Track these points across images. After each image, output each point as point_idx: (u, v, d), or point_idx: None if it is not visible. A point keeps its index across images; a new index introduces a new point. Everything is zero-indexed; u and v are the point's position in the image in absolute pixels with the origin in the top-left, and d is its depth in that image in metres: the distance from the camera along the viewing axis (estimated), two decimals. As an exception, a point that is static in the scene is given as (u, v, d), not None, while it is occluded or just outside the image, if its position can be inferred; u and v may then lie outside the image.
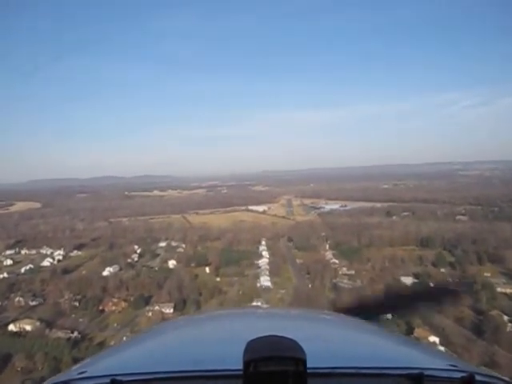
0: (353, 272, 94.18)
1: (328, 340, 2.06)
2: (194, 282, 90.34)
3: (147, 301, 79.72)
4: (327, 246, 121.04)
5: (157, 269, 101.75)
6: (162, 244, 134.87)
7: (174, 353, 1.85)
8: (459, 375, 1.49)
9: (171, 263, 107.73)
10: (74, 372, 1.68)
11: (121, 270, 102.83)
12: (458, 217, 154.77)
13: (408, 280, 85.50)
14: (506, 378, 1.64)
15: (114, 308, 77.61)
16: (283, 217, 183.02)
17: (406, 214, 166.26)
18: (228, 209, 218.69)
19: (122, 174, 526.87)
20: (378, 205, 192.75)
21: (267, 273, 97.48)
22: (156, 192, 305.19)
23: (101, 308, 77.86)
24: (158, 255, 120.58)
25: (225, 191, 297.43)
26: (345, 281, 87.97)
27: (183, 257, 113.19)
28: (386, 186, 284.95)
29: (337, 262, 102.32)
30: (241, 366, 1.22)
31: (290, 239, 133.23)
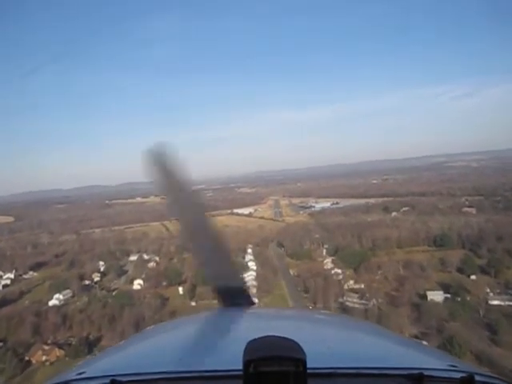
0: (362, 286, 71.30)
1: (328, 340, 1.93)
2: (160, 310, 66.64)
3: (92, 346, 55.75)
4: (324, 251, 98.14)
5: (115, 294, 77.47)
6: (133, 258, 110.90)
7: (173, 353, 1.77)
8: (459, 375, 1.43)
9: (137, 283, 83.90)
10: (73, 372, 1.62)
11: (73, 296, 78.78)
12: (464, 209, 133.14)
13: (438, 296, 62.78)
14: (506, 379, 1.57)
15: (44, 358, 53.71)
16: (271, 219, 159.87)
17: (405, 208, 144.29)
18: (212, 213, 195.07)
19: (108, 183, 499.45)
20: (373, 200, 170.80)
21: (254, 291, 74.02)
22: (138, 199, 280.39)
23: (27, 358, 53.95)
24: (125, 272, 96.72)
25: (210, 194, 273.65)
26: (355, 300, 64.93)
27: (154, 274, 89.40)
28: (375, 182, 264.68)
29: (339, 271, 79.43)
30: (241, 366, 1.17)
31: (280, 244, 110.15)
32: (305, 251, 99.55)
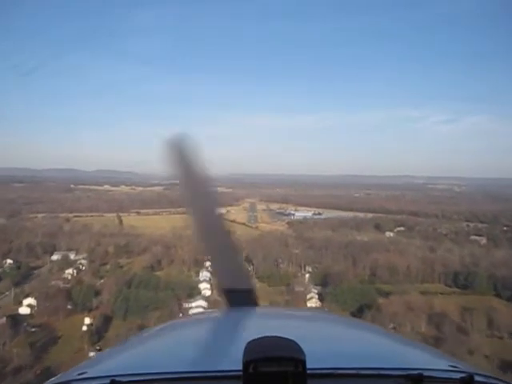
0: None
1: (328, 340, 1.90)
2: (21, 373, 35.76)
3: None
4: (307, 277, 68.72)
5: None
6: (55, 257, 79.49)
7: (173, 353, 1.74)
8: (459, 376, 1.39)
9: (27, 304, 52.70)
10: (73, 373, 1.57)
11: None
12: (472, 237, 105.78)
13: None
14: (505, 379, 1.53)
15: None
16: (243, 224, 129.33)
17: (400, 228, 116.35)
18: (179, 209, 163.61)
19: (85, 168, 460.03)
20: (361, 215, 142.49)
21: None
22: (106, 186, 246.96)
23: None
24: (30, 280, 65.35)
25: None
26: None
27: (61, 289, 58.23)
28: (357, 195, 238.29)
29: (331, 317, 49.98)
30: (240, 367, 1.12)
31: (248, 260, 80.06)
32: (281, 274, 70.01)
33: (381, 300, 55.32)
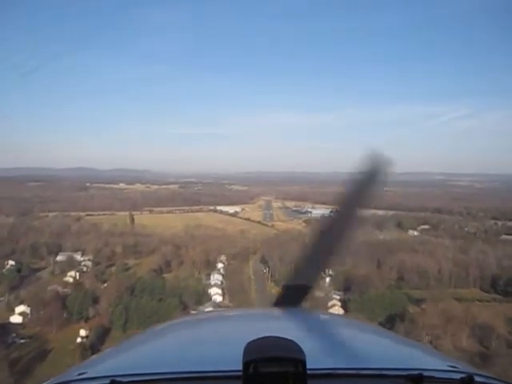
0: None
1: (328, 341, 1.90)
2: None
3: None
4: (328, 281, 62.05)
5: None
6: (60, 257, 74.44)
7: (173, 353, 1.73)
8: (458, 376, 1.38)
9: (20, 312, 47.47)
10: (73, 372, 1.55)
11: None
12: (503, 236, 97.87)
13: None
14: (505, 380, 1.51)
15: None
16: (259, 222, 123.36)
17: (424, 227, 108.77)
18: (193, 208, 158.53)
19: (101, 167, 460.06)
20: (380, 212, 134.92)
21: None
22: (122, 185, 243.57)
23: None
24: (30, 283, 60.15)
25: (198, 188, 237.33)
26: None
27: (59, 294, 52.88)
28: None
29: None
30: (240, 367, 1.11)
31: (264, 261, 74.09)
32: (298, 277, 63.43)
33: (412, 308, 48.59)
